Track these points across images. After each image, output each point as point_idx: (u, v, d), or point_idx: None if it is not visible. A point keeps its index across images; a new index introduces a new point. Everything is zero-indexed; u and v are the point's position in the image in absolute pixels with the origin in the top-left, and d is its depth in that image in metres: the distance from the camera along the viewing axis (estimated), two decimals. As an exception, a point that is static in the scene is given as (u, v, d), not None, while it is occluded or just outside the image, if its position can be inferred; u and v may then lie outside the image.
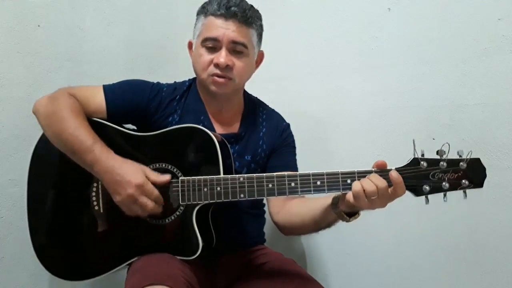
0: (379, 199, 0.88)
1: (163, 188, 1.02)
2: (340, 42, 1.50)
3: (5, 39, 1.23)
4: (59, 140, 1.04)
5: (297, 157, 1.25)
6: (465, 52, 1.25)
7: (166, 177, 1.01)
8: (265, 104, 1.30)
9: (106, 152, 1.00)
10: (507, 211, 1.20)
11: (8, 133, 1.25)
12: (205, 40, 1.09)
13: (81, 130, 1.01)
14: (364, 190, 0.87)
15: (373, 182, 0.87)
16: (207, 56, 1.10)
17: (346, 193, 0.91)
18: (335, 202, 0.96)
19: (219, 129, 1.18)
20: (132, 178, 0.96)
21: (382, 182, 0.88)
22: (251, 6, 1.13)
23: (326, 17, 1.54)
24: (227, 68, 1.09)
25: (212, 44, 1.09)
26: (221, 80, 1.09)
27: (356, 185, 0.89)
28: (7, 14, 1.24)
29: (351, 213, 0.95)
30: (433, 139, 1.28)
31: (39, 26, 1.30)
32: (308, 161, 1.31)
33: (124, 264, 1.06)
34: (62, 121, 1.02)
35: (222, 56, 1.07)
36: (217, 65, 1.08)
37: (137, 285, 0.87)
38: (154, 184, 0.99)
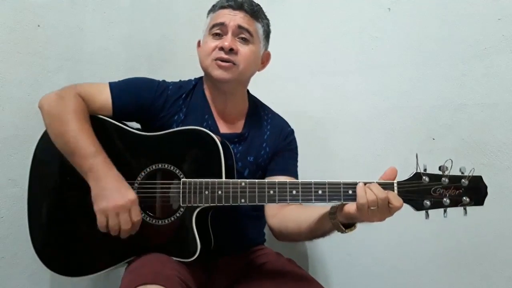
0: (379, 211, 0.88)
1: (164, 188, 1.02)
2: (340, 42, 1.50)
3: (5, 39, 1.23)
4: (60, 140, 1.04)
5: (298, 157, 1.25)
6: (465, 52, 1.25)
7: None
8: (269, 108, 1.29)
9: (109, 164, 1.00)
10: (507, 211, 1.19)
11: (8, 133, 1.24)
12: (212, 27, 1.12)
13: (83, 135, 1.01)
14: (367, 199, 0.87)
15: (373, 192, 0.87)
16: (212, 43, 1.12)
17: (345, 204, 0.91)
18: (333, 211, 0.95)
19: (223, 128, 1.18)
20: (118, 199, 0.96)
21: (382, 193, 0.87)
22: (259, 5, 1.18)
23: (326, 17, 1.54)
24: (232, 52, 1.09)
25: (219, 29, 1.11)
26: (224, 64, 1.10)
27: (361, 195, 0.88)
28: (7, 14, 1.23)
29: (348, 225, 0.95)
30: (433, 139, 1.28)
31: (39, 26, 1.30)
32: (308, 161, 1.31)
33: (123, 263, 1.06)
34: (65, 123, 1.02)
35: (227, 39, 1.10)
36: (221, 49, 1.09)
37: (131, 284, 0.87)
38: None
